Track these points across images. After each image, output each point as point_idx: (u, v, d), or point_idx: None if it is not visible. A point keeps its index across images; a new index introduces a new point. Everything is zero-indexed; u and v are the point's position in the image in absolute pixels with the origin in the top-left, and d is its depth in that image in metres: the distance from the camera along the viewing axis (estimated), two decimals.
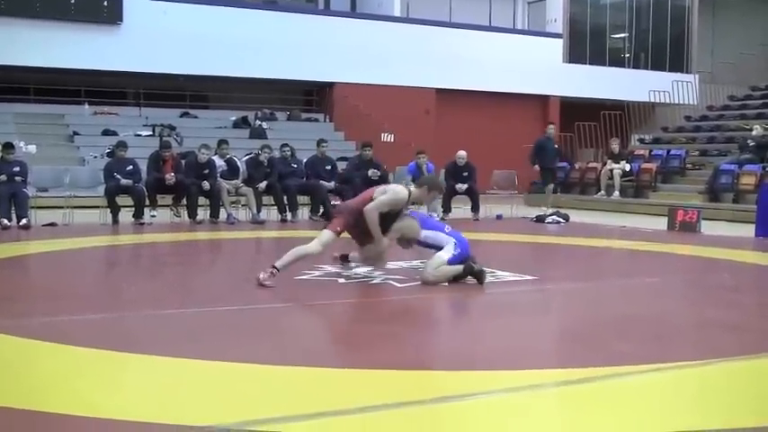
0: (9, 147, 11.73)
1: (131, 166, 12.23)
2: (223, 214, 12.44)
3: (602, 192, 17.51)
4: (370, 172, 13.50)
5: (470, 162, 14.27)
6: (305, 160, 13.77)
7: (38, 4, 18.48)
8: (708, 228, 12.19)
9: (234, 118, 20.68)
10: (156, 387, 3.82)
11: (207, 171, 12.41)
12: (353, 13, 24.54)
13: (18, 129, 17.43)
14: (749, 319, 5.89)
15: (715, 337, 5.16)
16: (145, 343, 4.65)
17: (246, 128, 20.17)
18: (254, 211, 12.64)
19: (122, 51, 19.03)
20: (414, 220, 6.88)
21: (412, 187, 7.03)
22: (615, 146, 17.92)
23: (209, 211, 12.46)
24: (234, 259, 9.42)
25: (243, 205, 13.07)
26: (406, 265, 7.43)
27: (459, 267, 6.64)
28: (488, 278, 6.75)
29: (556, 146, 15.91)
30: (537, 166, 15.56)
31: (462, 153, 14.28)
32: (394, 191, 6.71)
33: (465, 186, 14.00)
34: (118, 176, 11.94)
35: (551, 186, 15.80)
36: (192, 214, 12.29)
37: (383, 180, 13.73)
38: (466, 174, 14.12)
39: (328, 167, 13.61)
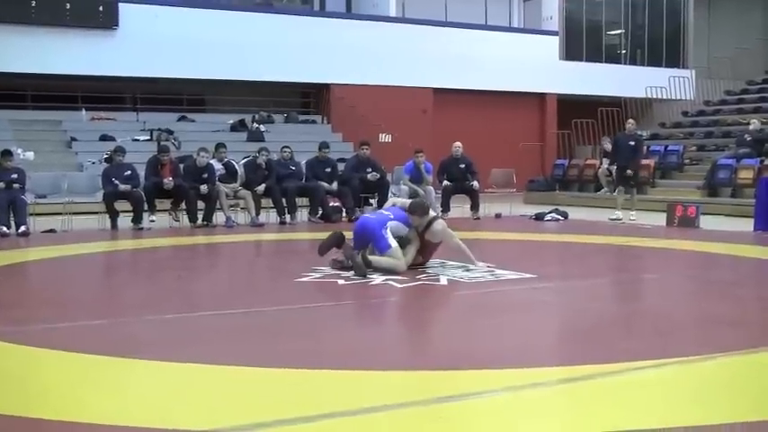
0: (7, 154, 11.72)
1: (129, 171, 12.21)
2: (222, 218, 12.44)
3: (606, 189, 17.27)
4: (370, 176, 13.50)
5: (467, 155, 14.18)
6: (303, 162, 13.75)
7: (33, 11, 18.44)
8: (707, 223, 12.19)
9: (231, 121, 20.66)
10: (157, 392, 3.82)
11: (205, 175, 12.41)
12: (349, 14, 24.53)
13: (15, 135, 17.42)
14: (749, 314, 5.90)
15: (716, 332, 5.16)
16: (146, 348, 4.65)
17: (244, 131, 20.15)
18: (253, 214, 12.63)
19: (119, 56, 19.01)
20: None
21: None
22: (608, 144, 17.89)
23: (202, 215, 12.41)
24: (234, 263, 9.42)
25: (242, 208, 13.06)
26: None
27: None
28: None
29: (631, 143, 13.80)
30: (610, 166, 13.98)
31: (458, 143, 14.14)
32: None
33: (474, 183, 13.83)
34: (116, 182, 11.94)
35: (634, 188, 14.13)
36: (193, 218, 12.28)
37: (381, 181, 13.74)
38: (463, 166, 13.98)
39: (328, 170, 13.57)
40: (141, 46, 19.23)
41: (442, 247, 7.74)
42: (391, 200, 8.58)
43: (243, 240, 11.02)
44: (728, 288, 7.09)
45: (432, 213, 7.61)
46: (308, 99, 23.25)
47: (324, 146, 13.80)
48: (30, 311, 5.89)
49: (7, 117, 18.31)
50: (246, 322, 5.44)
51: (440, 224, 7.53)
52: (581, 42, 25.73)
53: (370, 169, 13.64)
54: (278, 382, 3.92)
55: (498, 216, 14.39)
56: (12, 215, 11.12)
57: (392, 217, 7.44)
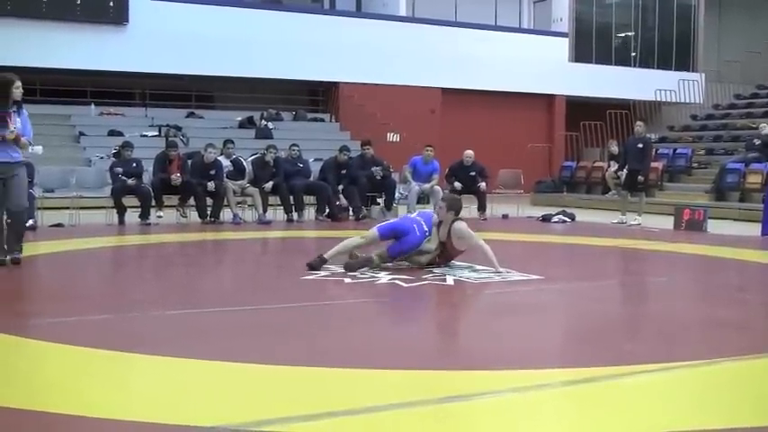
0: None
1: (136, 165, 12.24)
2: (229, 215, 12.45)
3: (613, 191, 17.10)
4: (374, 170, 13.50)
5: (478, 162, 14.13)
6: (311, 159, 13.73)
7: (44, 5, 18.55)
8: (714, 227, 12.16)
9: (239, 118, 20.71)
10: (162, 387, 3.83)
11: (213, 171, 12.42)
12: (359, 12, 24.56)
13: None
14: (755, 319, 5.88)
15: (721, 337, 5.14)
16: (151, 343, 4.65)
17: (252, 128, 20.20)
18: (261, 211, 12.64)
19: (128, 52, 19.08)
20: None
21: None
22: (614, 147, 17.84)
23: (210, 211, 12.42)
24: (240, 260, 9.42)
25: (249, 206, 13.07)
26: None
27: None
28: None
29: (639, 145, 13.34)
30: (617, 170, 13.76)
31: (470, 152, 14.08)
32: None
33: (481, 184, 13.81)
34: (123, 177, 11.96)
35: (642, 192, 13.60)
36: (202, 215, 12.28)
37: (387, 179, 13.74)
38: (473, 173, 13.95)
39: (343, 171, 13.57)
40: (151, 42, 19.29)
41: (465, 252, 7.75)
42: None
43: (249, 237, 11.02)
44: (735, 292, 7.08)
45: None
46: (316, 97, 23.28)
47: (345, 148, 13.84)
48: (36, 305, 5.91)
49: None
50: (252, 319, 5.45)
51: (461, 223, 7.56)
52: (590, 44, 25.68)
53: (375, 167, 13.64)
54: (282, 379, 3.92)
55: (505, 217, 14.36)
56: None
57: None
